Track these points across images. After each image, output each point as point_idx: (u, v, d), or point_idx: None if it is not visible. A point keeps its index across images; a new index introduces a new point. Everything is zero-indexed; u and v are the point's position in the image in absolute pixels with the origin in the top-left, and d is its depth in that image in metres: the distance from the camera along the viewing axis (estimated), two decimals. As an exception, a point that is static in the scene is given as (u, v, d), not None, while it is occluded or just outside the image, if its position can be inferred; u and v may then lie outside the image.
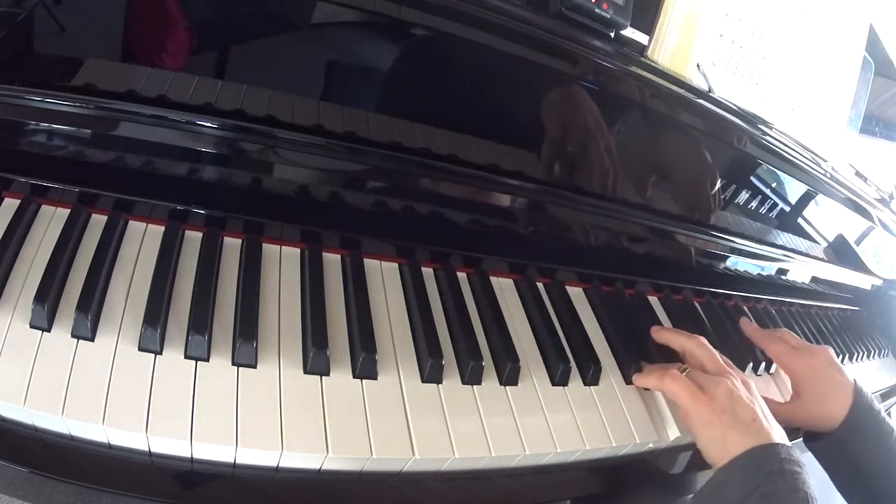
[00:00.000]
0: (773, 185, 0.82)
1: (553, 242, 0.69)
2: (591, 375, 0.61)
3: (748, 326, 0.78)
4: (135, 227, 0.53)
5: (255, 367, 0.47)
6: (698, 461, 0.57)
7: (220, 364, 0.46)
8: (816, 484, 0.51)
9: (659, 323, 0.75)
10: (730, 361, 0.64)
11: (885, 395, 1.09)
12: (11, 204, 0.49)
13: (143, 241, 0.52)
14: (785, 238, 0.90)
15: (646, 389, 0.64)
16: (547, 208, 0.66)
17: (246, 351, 0.46)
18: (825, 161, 0.86)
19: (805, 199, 0.88)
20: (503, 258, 0.68)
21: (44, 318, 0.43)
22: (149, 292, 0.47)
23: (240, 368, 0.46)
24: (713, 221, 0.78)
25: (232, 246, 0.55)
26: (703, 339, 0.64)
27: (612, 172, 0.68)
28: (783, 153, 0.77)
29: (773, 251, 0.90)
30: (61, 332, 0.43)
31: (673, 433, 0.62)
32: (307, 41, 0.52)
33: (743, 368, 0.78)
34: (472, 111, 0.59)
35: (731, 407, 0.55)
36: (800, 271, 1.02)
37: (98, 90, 0.48)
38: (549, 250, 0.69)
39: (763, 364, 0.81)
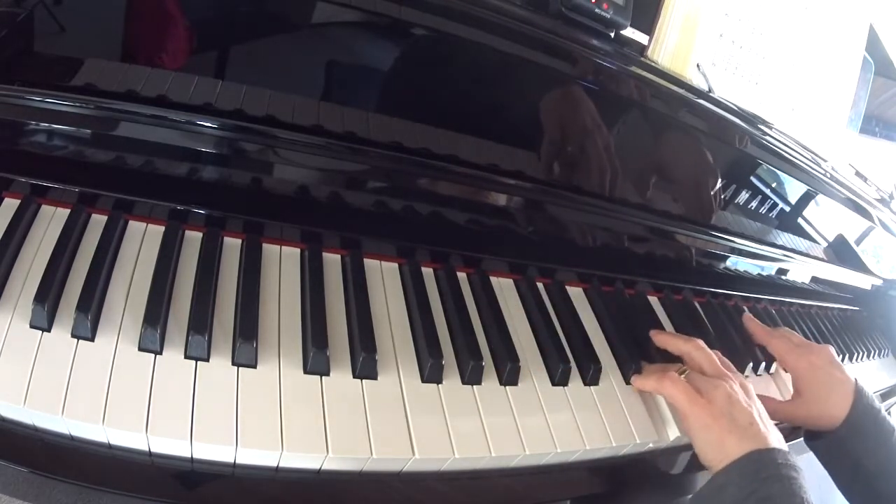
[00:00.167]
0: (773, 185, 0.82)
1: (553, 242, 0.69)
2: (591, 375, 0.61)
3: (751, 322, 0.78)
4: (135, 227, 0.53)
5: (255, 367, 0.47)
6: (698, 461, 0.57)
7: (220, 364, 0.46)
8: (817, 482, 0.51)
9: (659, 323, 0.75)
10: (729, 364, 0.64)
11: (885, 395, 1.09)
12: (11, 204, 0.49)
13: (143, 241, 0.52)
14: (785, 238, 0.90)
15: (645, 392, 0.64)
16: (547, 208, 0.66)
17: (246, 351, 0.46)
18: (825, 161, 0.86)
19: (805, 199, 0.88)
20: (503, 258, 0.68)
21: (44, 318, 0.43)
22: (149, 292, 0.47)
23: (240, 368, 0.46)
24: (713, 221, 0.78)
25: (232, 246, 0.55)
26: (701, 343, 0.64)
27: (612, 172, 0.68)
28: (783, 153, 0.77)
29: (773, 251, 0.90)
30: (61, 332, 0.43)
31: (673, 433, 0.62)
32: (307, 41, 0.52)
33: (743, 368, 0.78)
34: (473, 111, 0.59)
35: (728, 411, 0.55)
36: (800, 271, 1.02)
37: (98, 90, 0.48)
38: (549, 250, 0.69)
39: (763, 364, 0.81)
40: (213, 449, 0.42)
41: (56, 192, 0.51)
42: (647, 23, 0.68)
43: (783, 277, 0.99)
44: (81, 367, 0.42)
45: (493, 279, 0.66)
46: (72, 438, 0.40)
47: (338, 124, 0.54)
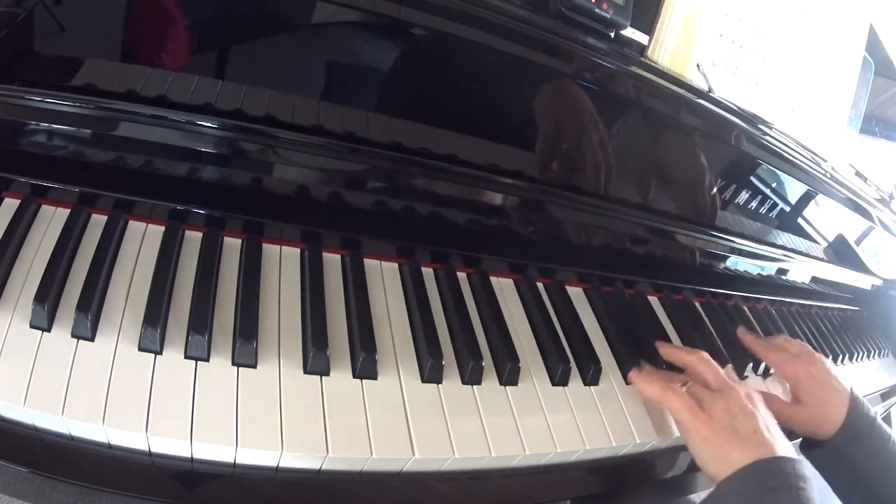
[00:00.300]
0: (773, 185, 0.82)
1: (553, 242, 0.69)
2: (591, 375, 0.61)
3: (746, 336, 0.78)
4: (135, 227, 0.53)
5: (255, 367, 0.47)
6: (698, 461, 0.57)
7: (220, 364, 0.46)
8: (815, 489, 0.51)
9: (659, 323, 0.75)
10: (735, 377, 0.63)
11: (885, 395, 1.09)
12: (11, 204, 0.49)
13: (143, 241, 0.52)
14: (785, 238, 0.90)
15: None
16: (547, 208, 0.66)
17: (246, 351, 0.46)
18: (825, 161, 0.86)
19: (805, 199, 0.88)
20: (503, 258, 0.68)
21: (44, 318, 0.43)
22: (149, 292, 0.47)
23: (240, 368, 0.46)
24: (713, 221, 0.78)
25: (232, 246, 0.55)
26: (705, 355, 0.64)
27: (612, 172, 0.68)
28: (783, 153, 0.77)
29: (773, 251, 0.90)
30: (61, 332, 0.43)
31: (673, 433, 0.62)
32: (307, 41, 0.52)
33: (744, 368, 0.78)
34: (473, 111, 0.59)
35: (729, 422, 0.54)
36: (800, 271, 1.02)
37: (98, 90, 0.48)
38: (549, 250, 0.69)
39: (763, 364, 0.81)
40: (213, 449, 0.42)
41: (56, 192, 0.51)
42: (647, 23, 0.68)
43: (783, 277, 0.99)
44: (81, 367, 0.42)
45: (493, 279, 0.66)
46: (72, 438, 0.40)
47: (338, 124, 0.54)
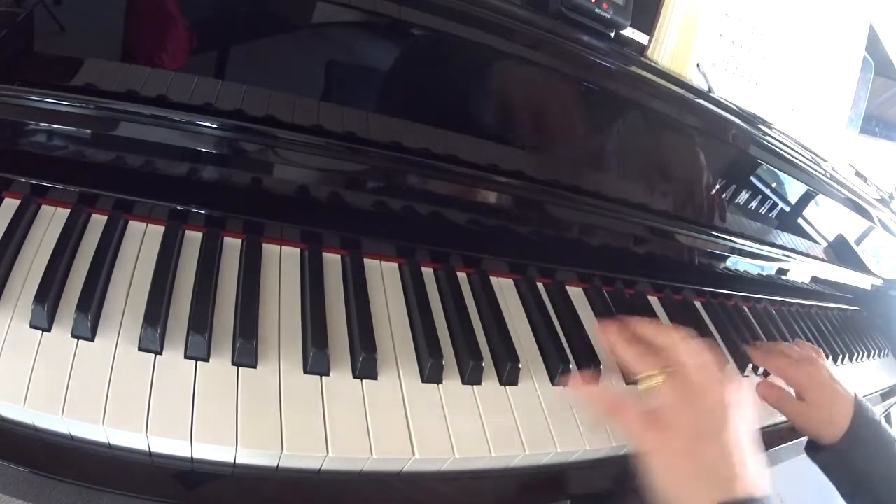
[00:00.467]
0: (773, 185, 0.82)
1: (553, 242, 0.69)
2: (591, 375, 0.61)
3: (746, 349, 0.78)
4: (135, 227, 0.53)
5: (255, 367, 0.47)
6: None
7: (220, 364, 0.46)
8: (818, 489, 0.48)
9: (659, 323, 0.75)
10: (725, 364, 0.56)
11: (884, 395, 1.09)
12: (11, 204, 0.49)
13: (143, 241, 0.52)
14: (785, 238, 0.90)
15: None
16: (547, 208, 0.66)
17: (246, 351, 0.46)
18: (825, 161, 0.86)
19: (805, 199, 0.88)
20: (503, 258, 0.68)
21: (44, 318, 0.43)
22: (149, 292, 0.47)
23: (240, 368, 0.46)
24: (713, 221, 0.78)
25: (232, 246, 0.55)
26: (683, 334, 0.53)
27: (612, 172, 0.68)
28: (783, 153, 0.77)
29: (773, 251, 0.90)
30: (61, 332, 0.43)
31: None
32: (307, 41, 0.52)
33: (744, 368, 0.78)
34: (472, 111, 0.59)
35: (691, 446, 0.46)
36: (800, 271, 1.02)
37: (98, 90, 0.48)
38: (549, 250, 0.69)
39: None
40: (213, 449, 0.42)
41: (56, 192, 0.51)
42: (647, 23, 0.68)
43: (783, 277, 0.99)
44: (81, 367, 0.42)
45: (493, 279, 0.66)
46: (72, 438, 0.40)
47: (338, 124, 0.54)
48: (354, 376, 0.50)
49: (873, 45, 0.96)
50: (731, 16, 0.73)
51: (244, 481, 0.43)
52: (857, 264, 1.10)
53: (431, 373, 0.52)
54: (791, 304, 1.04)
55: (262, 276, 0.53)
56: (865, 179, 1.05)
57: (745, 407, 0.50)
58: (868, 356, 1.12)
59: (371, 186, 0.58)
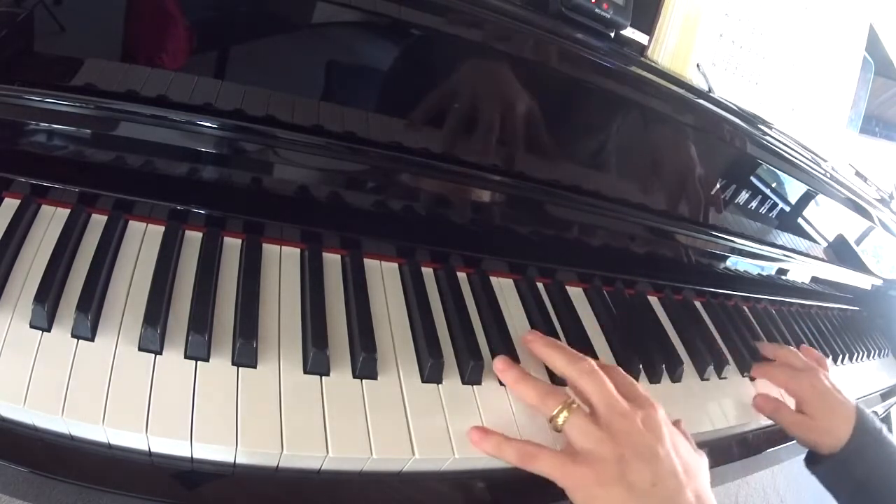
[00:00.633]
0: (773, 185, 0.82)
1: (553, 242, 0.69)
2: (591, 375, 0.61)
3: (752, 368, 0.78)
4: (135, 227, 0.53)
5: (255, 367, 0.47)
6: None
7: (220, 364, 0.46)
8: (818, 489, 0.49)
9: (659, 323, 0.75)
10: (636, 389, 0.51)
11: (884, 395, 1.09)
12: (11, 204, 0.49)
13: (143, 241, 0.52)
14: (785, 238, 0.90)
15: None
16: (547, 208, 0.66)
17: (246, 351, 0.46)
18: (825, 161, 0.86)
19: (805, 199, 0.88)
20: (503, 258, 0.68)
21: (44, 318, 0.43)
22: (149, 292, 0.47)
23: (240, 368, 0.46)
24: (713, 221, 0.78)
25: (232, 246, 0.55)
26: (593, 365, 0.50)
27: (612, 172, 0.68)
28: (783, 153, 0.77)
29: (773, 251, 0.90)
30: (61, 332, 0.43)
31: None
32: (307, 41, 0.52)
33: (744, 371, 0.78)
34: (472, 111, 0.59)
35: (620, 473, 0.44)
36: (800, 271, 1.02)
37: (98, 90, 0.48)
38: (549, 250, 0.69)
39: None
40: (213, 449, 0.42)
41: (56, 192, 0.51)
42: (647, 23, 0.68)
43: (783, 277, 0.99)
44: (81, 367, 0.42)
45: (493, 279, 0.66)
46: (72, 438, 0.40)
47: (338, 124, 0.54)
48: (354, 376, 0.50)
49: (873, 45, 0.96)
50: (731, 16, 0.73)
51: (244, 481, 0.43)
52: (857, 264, 1.10)
53: (431, 373, 0.52)
54: (791, 304, 1.04)
55: (262, 276, 0.53)
56: (865, 179, 1.05)
57: (664, 423, 0.49)
58: (868, 356, 1.12)
59: (371, 186, 0.58)
